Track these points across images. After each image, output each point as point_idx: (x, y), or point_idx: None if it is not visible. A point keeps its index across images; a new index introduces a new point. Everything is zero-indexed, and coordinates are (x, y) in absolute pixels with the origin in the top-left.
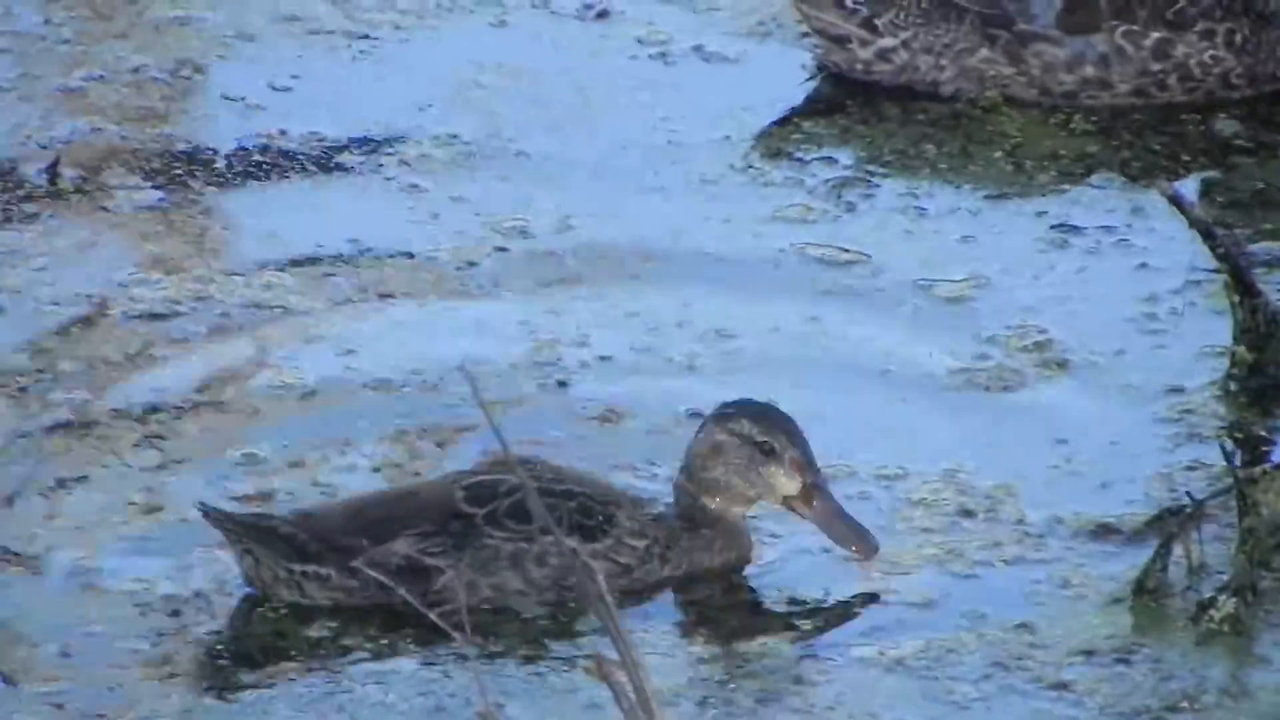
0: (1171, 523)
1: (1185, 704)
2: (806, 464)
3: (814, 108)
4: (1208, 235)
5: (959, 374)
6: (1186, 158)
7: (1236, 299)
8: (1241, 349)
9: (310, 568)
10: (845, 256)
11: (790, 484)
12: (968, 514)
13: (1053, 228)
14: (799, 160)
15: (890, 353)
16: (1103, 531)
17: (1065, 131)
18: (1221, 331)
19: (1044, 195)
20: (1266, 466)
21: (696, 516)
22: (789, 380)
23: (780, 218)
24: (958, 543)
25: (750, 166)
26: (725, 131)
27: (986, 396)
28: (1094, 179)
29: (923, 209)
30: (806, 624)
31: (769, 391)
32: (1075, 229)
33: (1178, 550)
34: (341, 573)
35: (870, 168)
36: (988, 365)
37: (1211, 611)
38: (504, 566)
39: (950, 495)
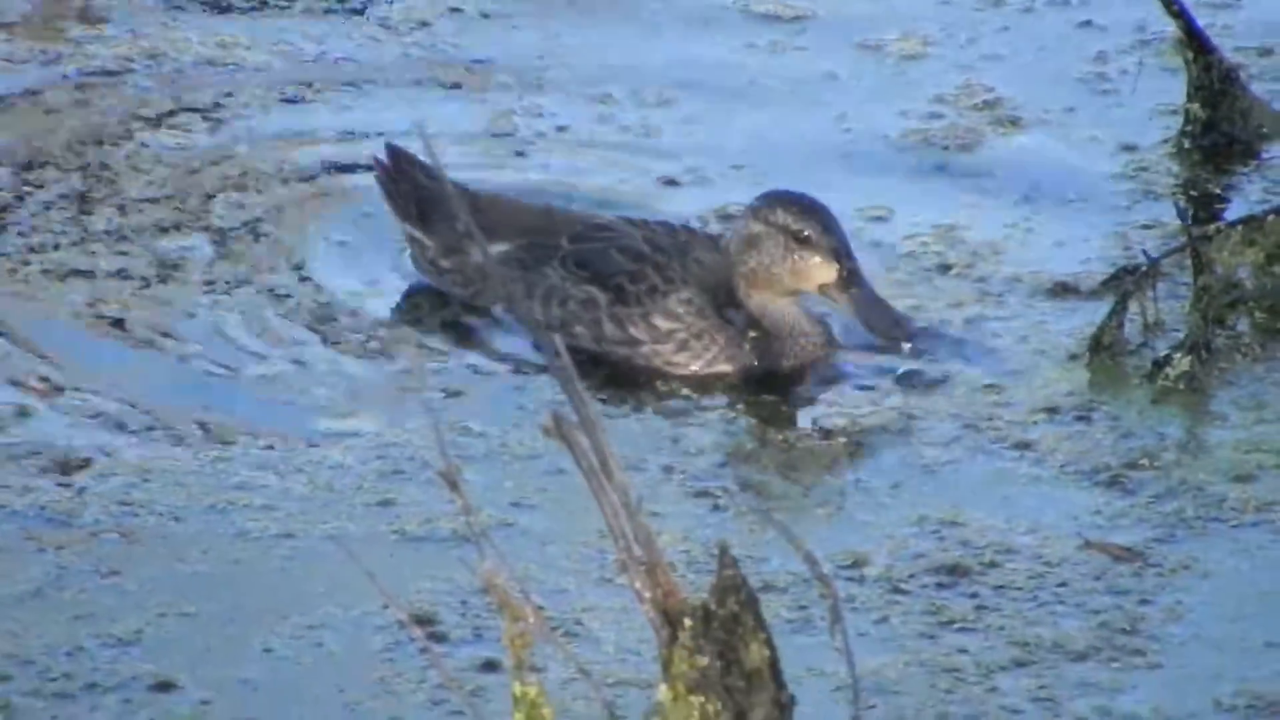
0: (1127, 281)
1: (1144, 461)
2: (842, 251)
3: None
4: None
5: (914, 133)
6: None
7: (1190, 56)
8: (1195, 106)
9: (416, 232)
10: (791, 13)
11: (826, 271)
12: (943, 268)
13: None
14: None
15: (843, 114)
16: (1060, 290)
17: None
18: (1173, 90)
19: None
20: (1220, 224)
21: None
22: (748, 142)
23: None
24: (923, 299)
25: None
26: None
27: (944, 154)
28: None
29: None
30: (772, 396)
31: (727, 155)
32: None
33: (1134, 308)
34: (443, 254)
35: None
36: (941, 124)
37: (1167, 369)
38: (539, 297)
39: (919, 250)
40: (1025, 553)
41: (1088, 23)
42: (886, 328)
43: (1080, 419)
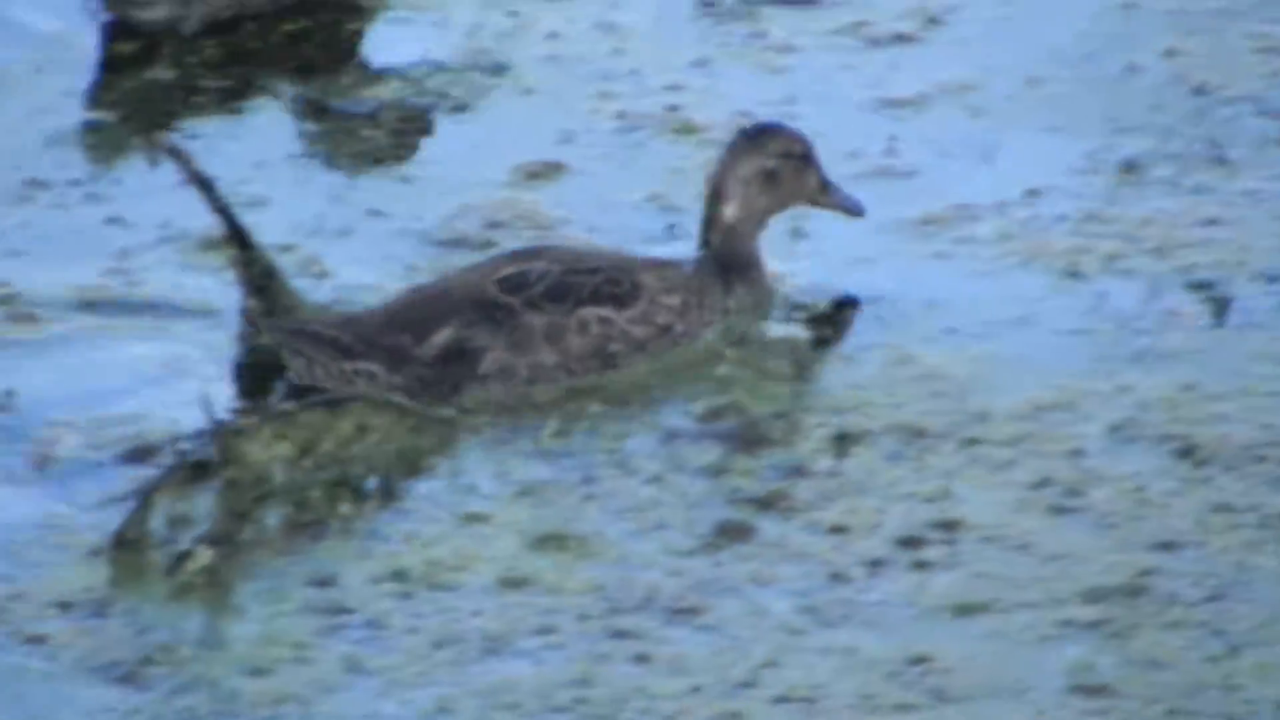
0: (155, 477)
1: (160, 656)
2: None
3: None
4: (207, 189)
5: None
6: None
7: (236, 253)
8: (254, 302)
9: (360, 365)
10: None
11: (817, 178)
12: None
13: None
14: None
15: None
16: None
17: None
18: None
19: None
20: (252, 418)
21: (729, 264)
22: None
23: None
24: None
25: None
26: None
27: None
28: (70, 135)
29: None
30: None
31: None
32: (43, 184)
33: (167, 501)
34: (388, 370)
35: None
36: None
37: (188, 563)
38: (541, 343)
39: None
40: None
41: (115, 220)
42: (858, 204)
43: (96, 615)
